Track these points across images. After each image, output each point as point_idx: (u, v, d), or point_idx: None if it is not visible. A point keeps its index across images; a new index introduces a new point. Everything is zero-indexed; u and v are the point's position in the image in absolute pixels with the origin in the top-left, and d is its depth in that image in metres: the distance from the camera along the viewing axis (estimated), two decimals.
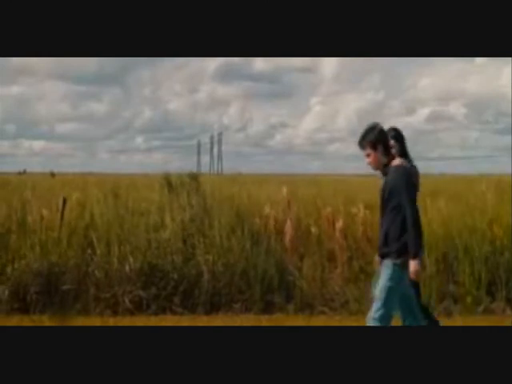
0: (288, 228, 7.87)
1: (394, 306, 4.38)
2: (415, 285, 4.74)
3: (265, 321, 6.53)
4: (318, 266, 7.48)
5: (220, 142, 74.40)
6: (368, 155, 4.41)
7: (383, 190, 4.40)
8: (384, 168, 4.46)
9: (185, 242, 7.40)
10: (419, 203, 4.64)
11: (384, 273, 4.34)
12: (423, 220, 6.56)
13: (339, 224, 7.99)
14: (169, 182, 9.17)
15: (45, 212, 8.02)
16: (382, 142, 4.39)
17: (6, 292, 6.73)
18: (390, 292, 4.29)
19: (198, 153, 66.91)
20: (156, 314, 6.79)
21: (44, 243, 7.24)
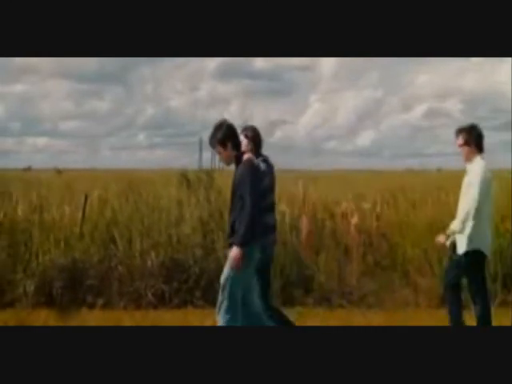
0: (304, 223, 8.03)
1: (237, 296, 4.46)
2: (263, 279, 4.83)
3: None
4: (335, 261, 7.65)
5: None
6: (219, 153, 4.50)
7: (233, 183, 4.50)
8: (237, 162, 4.53)
9: (204, 236, 7.55)
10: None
11: (228, 262, 4.44)
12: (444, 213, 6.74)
13: (354, 219, 8.16)
14: (186, 179, 9.31)
15: (66, 208, 8.20)
16: (230, 138, 4.48)
17: (32, 286, 6.90)
18: (232, 281, 4.40)
19: (200, 149, 66.94)
20: (178, 307, 6.96)
21: (67, 239, 7.40)
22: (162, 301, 7.02)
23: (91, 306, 6.89)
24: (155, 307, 6.95)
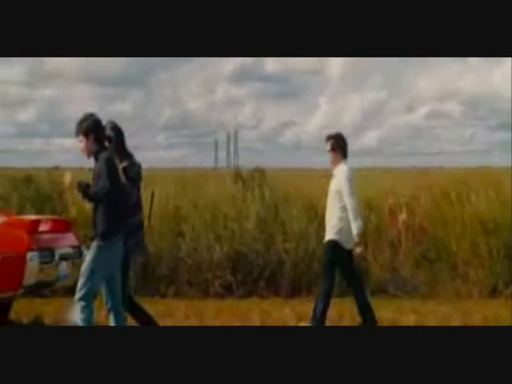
0: None
1: (95, 286, 4.46)
2: (124, 273, 4.77)
3: (340, 303, 7.14)
4: (385, 254, 8.15)
5: (236, 138, 75.93)
6: (81, 141, 4.51)
7: (93, 177, 4.50)
8: (96, 156, 4.51)
9: (264, 231, 8.05)
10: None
11: (89, 253, 4.46)
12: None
13: (402, 215, 8.65)
14: (240, 176, 9.81)
15: None
16: (93, 131, 4.50)
17: None
18: (92, 273, 4.38)
19: (216, 149, 68.80)
20: (243, 296, 7.48)
21: None
22: (228, 291, 7.54)
23: (163, 295, 7.43)
24: (222, 297, 7.48)
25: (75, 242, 5.65)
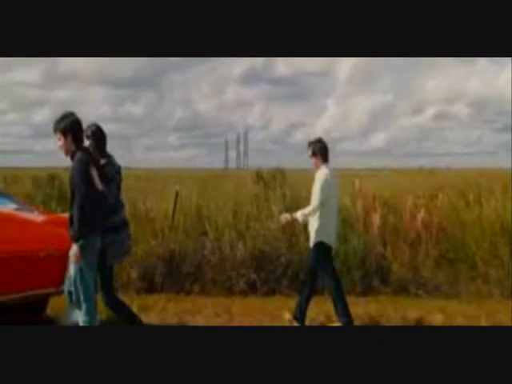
0: (375, 218, 8.64)
1: (89, 285, 4.51)
2: (105, 270, 4.86)
3: (365, 302, 7.30)
4: (405, 253, 8.26)
5: (246, 139, 77.03)
6: (59, 139, 4.56)
7: (70, 177, 4.58)
8: (72, 155, 4.58)
9: (287, 230, 8.17)
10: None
11: (70, 258, 4.47)
12: None
13: (421, 214, 8.76)
14: (262, 177, 9.94)
15: (147, 203, 8.89)
16: (71, 131, 4.55)
17: (136, 273, 7.57)
18: (79, 274, 4.44)
19: (226, 149, 69.87)
20: (267, 294, 7.60)
21: (162, 230, 8.07)
22: (252, 289, 7.66)
23: (188, 293, 7.56)
24: (246, 294, 7.61)
25: None
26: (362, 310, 6.22)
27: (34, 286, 4.82)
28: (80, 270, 4.41)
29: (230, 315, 6.23)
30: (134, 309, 6.41)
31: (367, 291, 7.68)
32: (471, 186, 12.71)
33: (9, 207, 5.29)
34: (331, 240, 5.97)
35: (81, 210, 4.35)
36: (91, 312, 4.46)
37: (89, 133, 4.92)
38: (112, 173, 4.94)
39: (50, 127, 4.60)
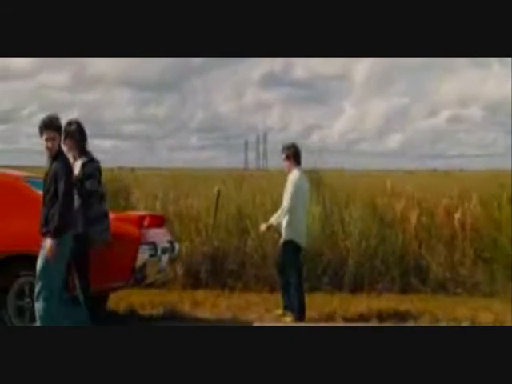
0: (412, 217, 8.81)
1: (55, 284, 4.64)
2: (81, 267, 4.92)
3: (408, 300, 7.43)
4: (441, 252, 8.42)
5: (265, 141, 78.85)
6: (53, 138, 4.71)
7: (51, 175, 4.70)
8: (56, 156, 4.73)
9: (326, 229, 8.36)
10: None
11: (41, 252, 4.64)
12: None
13: (458, 214, 8.91)
14: None
15: (191, 202, 9.11)
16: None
17: (182, 270, 7.80)
18: (49, 270, 4.60)
19: (246, 150, 71.52)
20: (308, 291, 7.78)
21: (206, 229, 8.29)
22: None
23: (232, 289, 7.77)
24: None
25: (169, 237, 6.01)
26: (407, 307, 6.39)
27: (108, 279, 5.04)
28: (48, 265, 4.57)
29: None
30: (186, 304, 6.70)
31: (406, 289, 7.85)
32: (498, 187, 12.78)
33: None
34: (301, 239, 6.36)
35: (61, 211, 4.56)
36: (48, 310, 4.58)
37: (73, 129, 5.07)
38: (92, 170, 5.09)
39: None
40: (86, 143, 5.18)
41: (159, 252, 5.43)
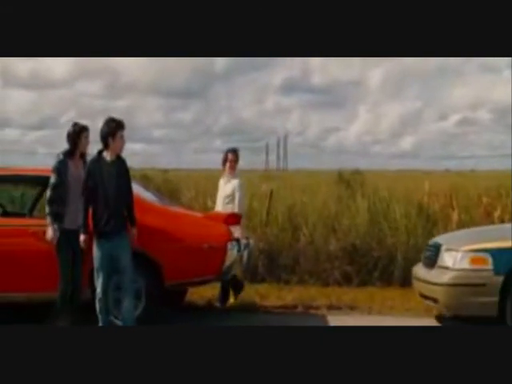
0: (454, 215, 9.20)
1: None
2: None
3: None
4: None
5: (285, 143, 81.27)
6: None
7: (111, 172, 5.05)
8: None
9: (375, 226, 8.75)
10: None
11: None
12: None
13: (497, 212, 9.30)
14: (344, 178, 10.53)
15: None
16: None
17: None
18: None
19: (267, 152, 74.08)
20: (359, 285, 8.19)
21: (257, 226, 8.71)
22: (345, 280, 8.25)
23: (287, 282, 8.17)
24: (340, 285, 8.19)
25: (246, 234, 6.41)
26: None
27: (201, 274, 5.44)
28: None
29: (352, 306, 6.85)
30: (255, 297, 7.10)
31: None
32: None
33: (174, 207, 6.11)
34: None
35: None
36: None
37: (87, 133, 5.38)
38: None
39: None
40: (75, 147, 5.36)
41: (242, 248, 5.83)
